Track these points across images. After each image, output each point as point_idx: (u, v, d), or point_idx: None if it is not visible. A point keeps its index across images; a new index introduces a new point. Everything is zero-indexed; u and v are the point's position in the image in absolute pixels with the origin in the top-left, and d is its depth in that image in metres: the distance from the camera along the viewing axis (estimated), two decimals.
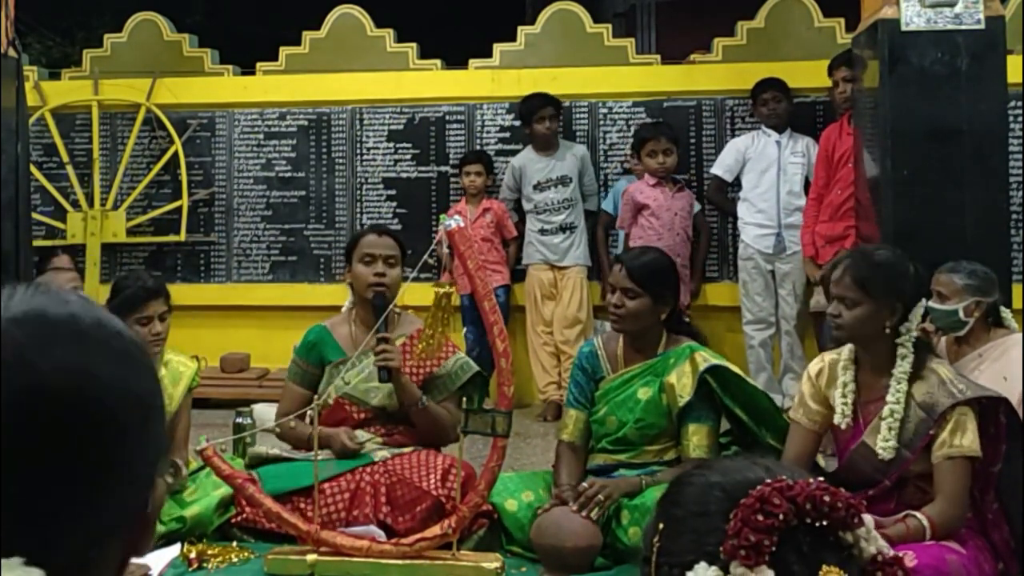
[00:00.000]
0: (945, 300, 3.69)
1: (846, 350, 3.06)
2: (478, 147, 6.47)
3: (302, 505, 3.45)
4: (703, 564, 0.89)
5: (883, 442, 2.88)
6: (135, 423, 0.77)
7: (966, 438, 2.79)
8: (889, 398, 2.90)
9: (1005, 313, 3.79)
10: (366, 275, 3.66)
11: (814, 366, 3.17)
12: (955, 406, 2.81)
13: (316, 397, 3.52)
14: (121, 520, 0.78)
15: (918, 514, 2.77)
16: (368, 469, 3.54)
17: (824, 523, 0.89)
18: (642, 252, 3.70)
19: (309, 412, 3.50)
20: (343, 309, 3.90)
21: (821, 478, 0.92)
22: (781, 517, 0.87)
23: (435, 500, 3.41)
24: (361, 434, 3.67)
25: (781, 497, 0.88)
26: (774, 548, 0.87)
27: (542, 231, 6.13)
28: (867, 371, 3.01)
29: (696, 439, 3.39)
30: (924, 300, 2.98)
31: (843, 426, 3.01)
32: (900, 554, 0.95)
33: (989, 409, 2.87)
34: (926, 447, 2.84)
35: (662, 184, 5.86)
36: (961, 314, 3.67)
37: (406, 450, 3.62)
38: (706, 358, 3.41)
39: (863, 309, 2.90)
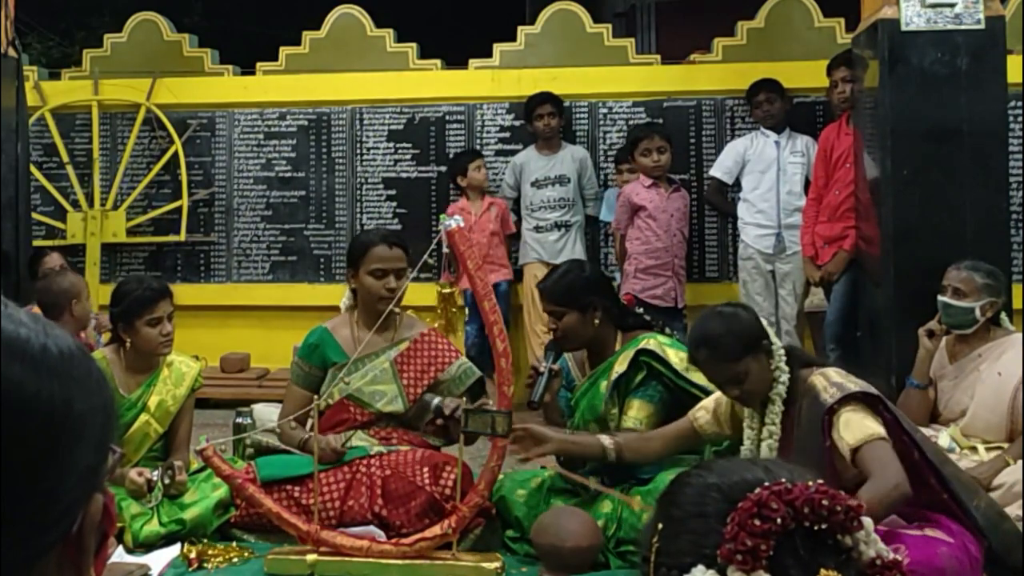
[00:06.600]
0: (962, 297, 3.69)
1: None
2: (478, 147, 6.48)
3: (296, 493, 3.46)
4: (700, 567, 0.88)
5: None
6: (43, 439, 0.69)
7: (861, 426, 2.75)
8: (763, 434, 2.97)
9: (1002, 314, 3.79)
10: (378, 289, 3.63)
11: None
12: (833, 410, 2.79)
13: (318, 398, 3.50)
14: (37, 548, 0.70)
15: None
16: (365, 462, 3.55)
17: (822, 527, 0.89)
18: (552, 274, 3.72)
19: (310, 413, 3.49)
20: (342, 308, 3.89)
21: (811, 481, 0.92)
22: (778, 521, 0.87)
23: (428, 496, 3.41)
24: (361, 433, 3.68)
25: (779, 501, 0.87)
26: (771, 552, 0.87)
27: (537, 228, 6.15)
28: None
29: (632, 412, 3.42)
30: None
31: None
32: (898, 557, 0.95)
33: (875, 402, 2.85)
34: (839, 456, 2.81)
35: (657, 185, 5.86)
36: (978, 312, 3.68)
37: (403, 448, 3.63)
38: (650, 343, 3.43)
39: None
